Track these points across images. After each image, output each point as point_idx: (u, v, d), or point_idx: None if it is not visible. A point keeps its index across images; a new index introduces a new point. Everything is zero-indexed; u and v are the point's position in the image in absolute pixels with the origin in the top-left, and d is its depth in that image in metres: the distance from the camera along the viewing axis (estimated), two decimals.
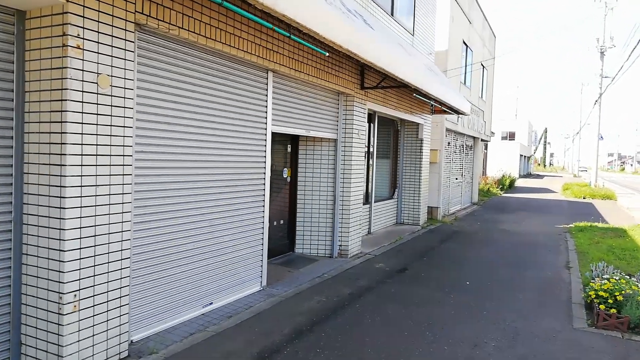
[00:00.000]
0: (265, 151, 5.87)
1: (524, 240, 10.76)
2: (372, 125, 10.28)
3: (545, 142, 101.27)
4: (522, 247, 9.89)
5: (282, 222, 7.68)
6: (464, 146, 17.47)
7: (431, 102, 11.10)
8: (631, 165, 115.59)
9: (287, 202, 7.81)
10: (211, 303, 5.04)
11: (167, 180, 4.50)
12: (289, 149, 7.74)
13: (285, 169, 7.69)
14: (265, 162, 5.87)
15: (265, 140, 5.86)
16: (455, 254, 8.93)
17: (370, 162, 10.38)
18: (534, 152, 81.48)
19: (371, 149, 10.36)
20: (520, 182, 37.34)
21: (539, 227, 13.18)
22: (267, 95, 5.83)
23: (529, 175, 59.33)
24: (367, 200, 10.37)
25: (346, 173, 7.84)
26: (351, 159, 7.83)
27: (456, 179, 16.46)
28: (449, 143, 15.10)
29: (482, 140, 20.56)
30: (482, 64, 18.86)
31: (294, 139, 7.81)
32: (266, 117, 5.84)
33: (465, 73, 16.15)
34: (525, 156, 56.38)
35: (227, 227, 5.26)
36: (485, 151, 28.88)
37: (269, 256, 7.20)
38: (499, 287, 6.71)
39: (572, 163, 74.55)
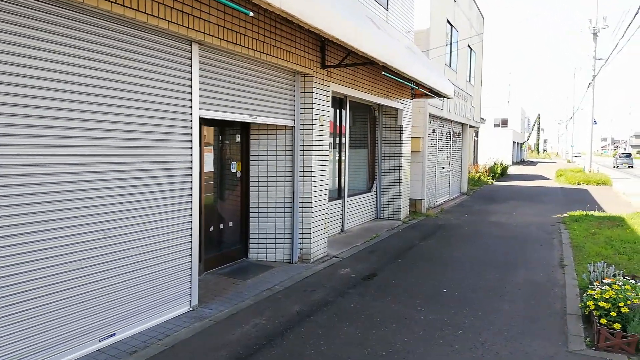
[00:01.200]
0: (191, 141, 4.81)
1: (514, 234, 9.78)
2: (343, 111, 9.23)
3: (538, 128, 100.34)
4: (511, 242, 8.91)
5: (231, 224, 6.63)
6: (451, 133, 16.44)
7: (411, 84, 10.06)
8: (624, 149, 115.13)
9: (239, 200, 6.76)
10: (113, 334, 4.00)
11: (34, 182, 3.44)
12: (239, 140, 6.68)
13: (234, 162, 6.63)
14: (191, 154, 4.81)
15: (191, 127, 4.79)
16: (436, 253, 7.93)
17: (342, 152, 9.33)
18: (527, 139, 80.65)
19: (343, 138, 9.31)
20: (513, 170, 36.44)
21: (531, 217, 12.21)
22: (191, 73, 4.76)
23: (522, 162, 58.49)
24: (339, 194, 9.34)
25: (306, 165, 6.79)
26: (312, 149, 6.78)
27: (443, 168, 15.45)
28: (433, 130, 14.06)
29: (471, 126, 19.54)
30: (469, 46, 17.79)
31: (245, 128, 6.75)
32: (191, 100, 4.78)
33: (451, 55, 15.09)
34: (518, 143, 55.51)
35: (133, 237, 4.19)
36: (476, 138, 27.92)
37: (214, 265, 6.19)
38: (481, 295, 5.71)
39: (566, 149, 73.88)
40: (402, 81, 9.02)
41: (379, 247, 8.27)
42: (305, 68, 6.60)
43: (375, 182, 11.07)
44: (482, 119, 27.91)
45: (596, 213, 12.60)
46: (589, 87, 30.34)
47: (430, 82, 9.17)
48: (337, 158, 9.34)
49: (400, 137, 10.91)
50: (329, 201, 8.81)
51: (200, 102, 4.93)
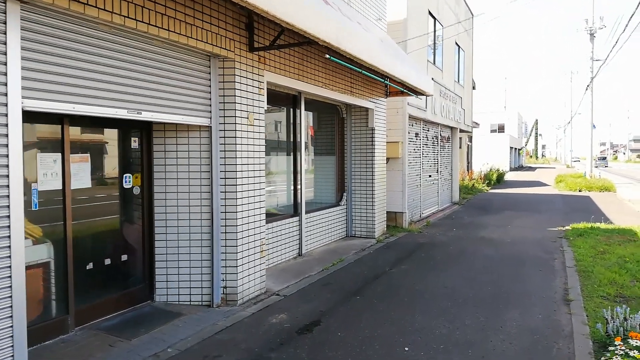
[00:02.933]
0: (6, 145, 3.20)
1: (508, 254, 8.15)
2: (297, 110, 7.64)
3: (536, 133, 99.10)
4: (503, 266, 7.28)
5: (125, 257, 4.99)
6: (439, 137, 14.86)
7: (383, 80, 8.50)
8: (624, 153, 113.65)
9: (139, 225, 5.14)
10: None
11: None
12: (136, 144, 5.08)
13: (128, 175, 5.01)
14: (7, 164, 3.21)
15: (7, 125, 3.19)
16: (407, 284, 6.29)
17: (299, 159, 7.73)
18: (525, 144, 79.23)
19: (299, 143, 7.71)
20: (510, 176, 34.84)
21: (528, 231, 10.58)
22: (5, 44, 3.18)
23: (520, 167, 56.97)
24: (295, 210, 7.72)
25: (230, 177, 5.18)
26: (236, 156, 5.18)
27: (429, 176, 13.85)
28: (416, 134, 12.48)
29: (462, 130, 17.98)
30: (457, 44, 16.29)
31: (146, 129, 5.15)
32: (6, 84, 3.18)
33: (435, 51, 13.56)
34: (516, 148, 54.06)
35: None
36: (470, 144, 26.37)
37: (96, 316, 4.56)
38: (455, 357, 4.07)
39: (565, 154, 72.43)
40: (370, 75, 7.46)
41: (337, 277, 6.63)
42: (224, 50, 5.02)
43: (345, 193, 9.46)
44: (475, 123, 26.37)
45: (603, 225, 10.98)
46: (587, 89, 28.87)
47: (402, 75, 7.62)
48: (292, 167, 7.75)
49: (372, 141, 9.32)
50: (282, 220, 7.21)
51: (26, 88, 3.33)
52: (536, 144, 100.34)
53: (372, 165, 9.32)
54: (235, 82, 5.15)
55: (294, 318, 4.94)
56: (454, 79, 15.85)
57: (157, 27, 4.21)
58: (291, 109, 7.65)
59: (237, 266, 5.20)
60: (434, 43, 13.41)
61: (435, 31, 13.49)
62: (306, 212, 7.94)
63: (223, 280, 5.20)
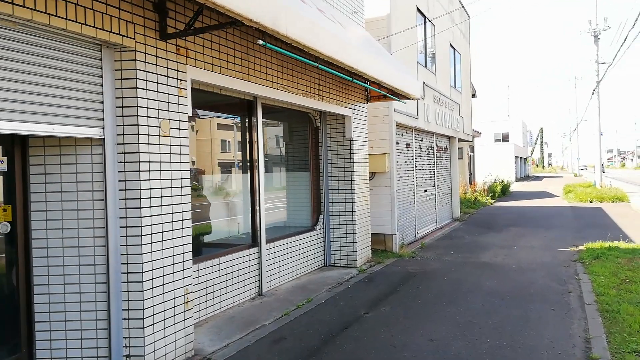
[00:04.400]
0: None
1: (513, 286, 6.75)
2: (253, 119, 6.34)
3: (541, 142, 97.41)
4: (508, 305, 5.88)
5: None
6: (434, 148, 13.52)
7: (366, 84, 7.24)
8: (632, 160, 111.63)
9: (11, 276, 3.82)
10: None
11: None
12: (4, 166, 3.78)
13: None
14: None
15: None
16: (383, 338, 4.90)
17: (256, 177, 6.41)
18: (531, 153, 77.64)
19: (256, 158, 6.39)
20: (516, 186, 33.33)
21: (537, 253, 9.18)
22: None
23: (526, 177, 55.37)
24: (254, 240, 6.38)
25: (131, 207, 3.86)
26: (140, 177, 3.86)
27: (425, 191, 12.49)
28: (407, 144, 11.15)
29: (461, 140, 16.63)
30: (452, 46, 15.03)
31: (20, 145, 3.85)
32: None
33: (426, 53, 12.29)
34: (521, 158, 52.54)
35: None
36: (472, 154, 24.99)
37: None
38: None
39: (572, 162, 70.69)
40: (340, 75, 6.20)
41: (297, 327, 5.25)
42: (120, 36, 3.74)
43: (321, 215, 8.13)
44: (477, 131, 25.02)
45: (622, 244, 9.56)
46: (593, 93, 27.50)
47: (382, 74, 6.35)
48: (248, 187, 6.43)
49: (350, 153, 8.00)
50: (233, 252, 5.89)
51: None
52: (542, 152, 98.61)
53: (352, 182, 7.99)
54: (137, 78, 3.86)
55: None
56: (449, 84, 14.56)
57: (21, 6, 2.95)
58: (246, 118, 6.36)
59: (144, 326, 3.86)
60: (425, 43, 12.14)
61: (425, 30, 12.24)
62: (269, 241, 6.59)
63: (126, 346, 3.85)
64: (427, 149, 12.87)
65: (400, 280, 7.30)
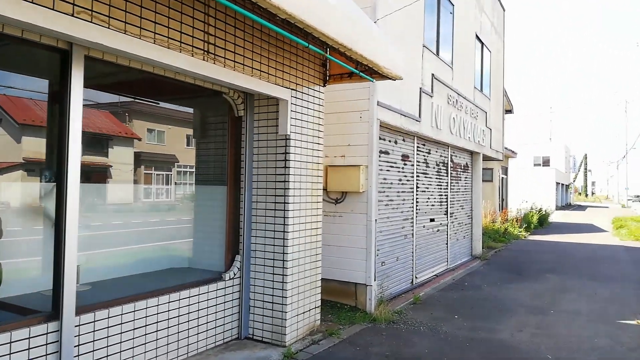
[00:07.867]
0: None
1: None
2: (67, 89, 3.43)
3: (585, 168, 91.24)
4: None
5: None
6: (448, 164, 10.34)
7: (324, 51, 4.34)
8: None
9: None
10: None
11: None
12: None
13: None
14: None
15: None
16: None
17: (68, 190, 3.49)
18: (574, 180, 72.18)
19: (67, 153, 3.47)
20: (557, 216, 29.31)
21: (585, 327, 5.89)
22: None
23: (568, 206, 50.62)
24: (55, 308, 3.44)
25: None
26: None
27: (431, 220, 9.31)
28: (404, 156, 8.05)
29: (487, 158, 13.35)
30: (478, 37, 11.88)
31: None
32: None
33: (438, 37, 9.21)
34: (563, 184, 48.02)
35: None
36: (504, 176, 21.42)
37: None
38: None
39: (618, 191, 65.12)
40: (269, 24, 3.29)
41: None
42: None
43: (238, 256, 5.14)
44: (512, 151, 21.50)
45: None
46: None
47: (346, 35, 3.40)
48: (53, 208, 3.52)
49: (285, 159, 5.02)
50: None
51: None
52: (585, 180, 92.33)
53: (286, 203, 4.99)
54: None
55: None
56: (472, 83, 11.38)
57: None
58: (57, 84, 3.48)
59: None
60: (438, 22, 9.08)
61: (438, 12, 9.20)
62: (90, 308, 3.64)
63: None
64: (437, 164, 9.71)
65: None
